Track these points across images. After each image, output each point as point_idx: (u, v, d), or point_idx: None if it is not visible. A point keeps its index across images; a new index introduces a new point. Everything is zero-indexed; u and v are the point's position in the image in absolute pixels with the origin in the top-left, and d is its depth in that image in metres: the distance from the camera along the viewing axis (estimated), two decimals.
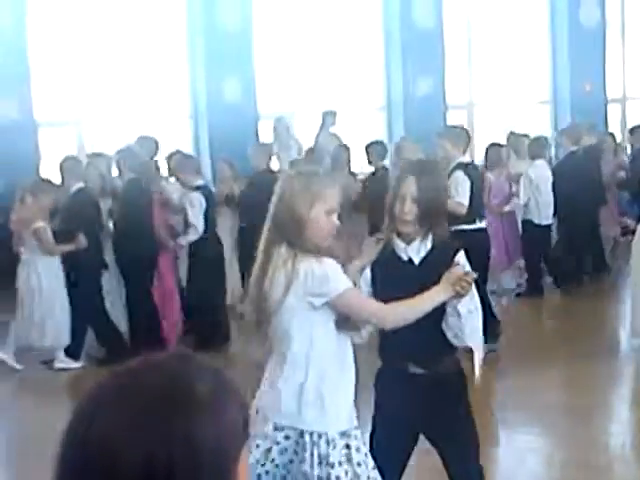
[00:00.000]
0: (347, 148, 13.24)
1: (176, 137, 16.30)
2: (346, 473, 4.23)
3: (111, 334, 10.23)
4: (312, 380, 4.26)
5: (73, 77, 15.54)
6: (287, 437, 4.28)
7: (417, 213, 4.64)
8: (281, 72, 17.30)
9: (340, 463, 4.23)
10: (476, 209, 9.76)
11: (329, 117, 15.64)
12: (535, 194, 12.25)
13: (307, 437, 4.25)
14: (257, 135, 16.48)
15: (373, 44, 18.23)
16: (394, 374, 4.64)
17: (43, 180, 10.62)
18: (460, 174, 9.60)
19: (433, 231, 4.69)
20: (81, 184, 10.24)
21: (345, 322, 4.34)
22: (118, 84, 15.94)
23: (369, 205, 11.98)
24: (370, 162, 12.67)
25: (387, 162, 12.82)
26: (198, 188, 10.58)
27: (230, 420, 1.57)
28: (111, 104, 15.86)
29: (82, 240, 9.85)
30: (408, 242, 4.71)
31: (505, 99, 19.26)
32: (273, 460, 4.31)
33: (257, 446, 4.28)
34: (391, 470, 4.62)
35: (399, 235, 4.73)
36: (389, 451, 4.53)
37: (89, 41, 15.68)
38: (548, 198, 12.36)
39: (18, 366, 10.01)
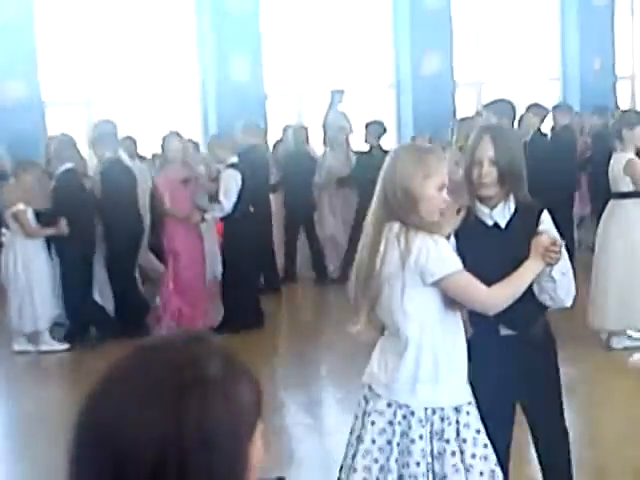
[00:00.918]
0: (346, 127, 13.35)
1: (184, 116, 16.30)
2: (457, 449, 4.25)
3: (100, 316, 10.18)
4: (425, 356, 4.24)
5: (81, 56, 15.51)
6: (404, 416, 4.26)
7: (496, 175, 4.59)
8: (289, 51, 17.26)
9: (455, 439, 4.25)
10: None
11: (337, 95, 15.62)
12: None
13: (421, 414, 4.24)
14: (265, 114, 16.44)
15: (381, 22, 18.16)
16: (485, 338, 4.62)
17: (26, 160, 10.46)
18: None
19: (514, 193, 4.65)
20: (69, 165, 10.05)
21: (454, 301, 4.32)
22: (126, 64, 15.90)
23: (358, 181, 12.26)
24: (366, 140, 12.89)
25: (382, 142, 12.80)
26: (232, 166, 10.41)
27: (242, 401, 1.56)
28: (120, 84, 15.83)
29: (63, 225, 9.71)
30: (492, 207, 4.67)
31: (514, 76, 19.19)
32: (374, 441, 4.29)
33: (372, 423, 4.30)
34: (500, 437, 4.56)
35: (481, 201, 4.69)
36: (490, 418, 4.48)
37: (97, 21, 15.64)
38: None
39: (63, 346, 9.91)
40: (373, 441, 4.28)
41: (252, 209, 10.49)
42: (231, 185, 10.17)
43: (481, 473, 4.26)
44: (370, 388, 4.36)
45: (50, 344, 9.91)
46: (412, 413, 4.23)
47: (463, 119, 12.29)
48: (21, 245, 9.68)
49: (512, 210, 4.65)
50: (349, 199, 12.98)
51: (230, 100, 16.12)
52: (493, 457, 4.32)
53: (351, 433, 4.41)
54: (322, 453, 7.12)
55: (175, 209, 10.31)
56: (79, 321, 10.06)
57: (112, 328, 9.95)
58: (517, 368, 4.65)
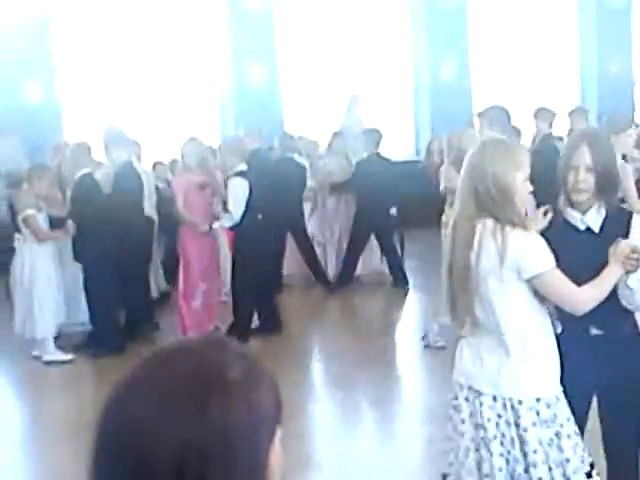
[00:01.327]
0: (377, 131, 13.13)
1: (202, 122, 16.34)
2: (572, 432, 4.38)
3: (111, 326, 10.01)
4: (516, 349, 4.32)
5: (99, 62, 15.57)
6: (512, 407, 4.37)
7: (593, 182, 4.62)
8: (306, 57, 17.28)
9: (568, 420, 4.37)
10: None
11: (354, 100, 15.62)
12: None
13: (529, 403, 4.34)
14: (282, 120, 16.47)
15: (399, 27, 18.16)
16: (575, 338, 4.67)
17: (39, 166, 10.34)
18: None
19: (607, 199, 4.69)
20: (86, 170, 9.93)
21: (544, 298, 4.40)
22: (145, 71, 15.95)
23: (357, 188, 12.32)
24: (365, 147, 12.80)
25: (380, 149, 12.70)
26: (240, 174, 10.05)
27: (263, 405, 1.56)
28: (138, 90, 15.88)
29: (70, 228, 9.63)
30: (583, 211, 4.71)
31: (532, 81, 19.15)
32: (496, 437, 4.41)
33: (489, 420, 4.40)
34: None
35: (572, 205, 4.73)
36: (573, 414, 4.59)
37: (115, 28, 15.70)
38: None
39: (68, 356, 9.74)
40: (495, 437, 4.38)
41: (260, 217, 10.24)
42: (238, 194, 9.95)
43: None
44: (470, 388, 4.44)
45: (54, 354, 9.74)
46: (520, 402, 4.33)
47: (452, 134, 12.05)
48: (29, 251, 9.62)
49: (603, 215, 4.70)
50: (347, 204, 12.94)
51: (248, 106, 16.15)
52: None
53: (460, 437, 4.49)
54: (340, 458, 7.12)
55: (186, 212, 10.20)
56: (105, 327, 9.94)
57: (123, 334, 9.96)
58: (603, 366, 4.70)
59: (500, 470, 4.38)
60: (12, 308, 9.95)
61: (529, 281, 4.25)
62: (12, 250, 9.88)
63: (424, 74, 18.11)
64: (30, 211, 9.53)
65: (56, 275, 9.79)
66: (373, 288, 12.75)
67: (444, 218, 9.55)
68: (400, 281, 12.49)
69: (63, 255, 10.10)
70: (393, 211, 12.88)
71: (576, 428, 4.43)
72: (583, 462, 4.38)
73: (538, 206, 4.76)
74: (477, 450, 4.44)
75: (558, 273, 4.29)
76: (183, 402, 1.51)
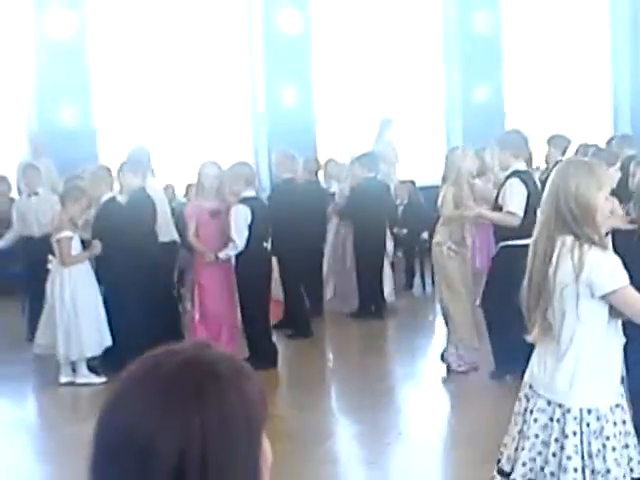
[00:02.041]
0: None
1: (236, 142, 16.43)
2: (618, 445, 4.52)
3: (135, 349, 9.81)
4: (584, 360, 4.49)
5: (134, 85, 15.70)
6: (562, 414, 4.52)
7: None
8: (339, 79, 17.34)
9: (614, 435, 4.51)
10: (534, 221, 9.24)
11: (386, 124, 15.63)
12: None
13: (576, 412, 4.49)
14: (315, 140, 16.53)
15: (433, 50, 18.20)
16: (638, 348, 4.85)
17: (73, 188, 10.17)
18: (516, 182, 8.88)
19: None
20: (111, 194, 9.96)
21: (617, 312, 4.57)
22: (178, 92, 16.06)
23: (353, 212, 12.16)
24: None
25: (373, 174, 12.45)
26: (246, 200, 9.91)
27: (253, 396, 1.63)
28: (171, 111, 15.98)
29: (97, 246, 9.59)
30: None
31: (565, 106, 19.11)
32: (537, 436, 4.58)
33: (535, 420, 4.58)
34: None
35: None
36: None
37: (149, 49, 15.82)
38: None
39: (100, 379, 9.54)
40: (536, 436, 4.54)
41: (266, 245, 10.09)
42: (240, 221, 9.77)
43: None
44: (531, 387, 4.62)
45: (87, 377, 9.65)
46: (568, 411, 4.47)
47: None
48: (68, 272, 9.53)
49: None
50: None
51: (281, 127, 16.21)
52: None
53: (514, 426, 4.70)
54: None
55: (195, 240, 10.08)
56: (127, 350, 9.87)
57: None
58: None
59: (524, 465, 4.57)
60: (31, 328, 9.90)
61: (603, 297, 4.42)
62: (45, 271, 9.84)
63: (457, 98, 18.12)
64: (65, 233, 9.49)
65: (96, 295, 9.73)
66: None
67: (439, 237, 9.61)
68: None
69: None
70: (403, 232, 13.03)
71: (628, 440, 4.56)
72: (625, 476, 4.51)
73: None
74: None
75: (631, 290, 4.45)
76: (178, 396, 1.56)
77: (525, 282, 4.66)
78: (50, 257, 9.66)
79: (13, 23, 14.81)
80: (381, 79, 17.64)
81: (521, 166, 9.09)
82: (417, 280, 13.92)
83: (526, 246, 8.51)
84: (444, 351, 9.68)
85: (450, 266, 9.57)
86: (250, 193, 9.98)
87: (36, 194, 11.57)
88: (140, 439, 1.54)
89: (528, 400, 4.63)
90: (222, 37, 16.48)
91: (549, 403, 4.53)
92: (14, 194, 13.32)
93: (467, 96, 18.01)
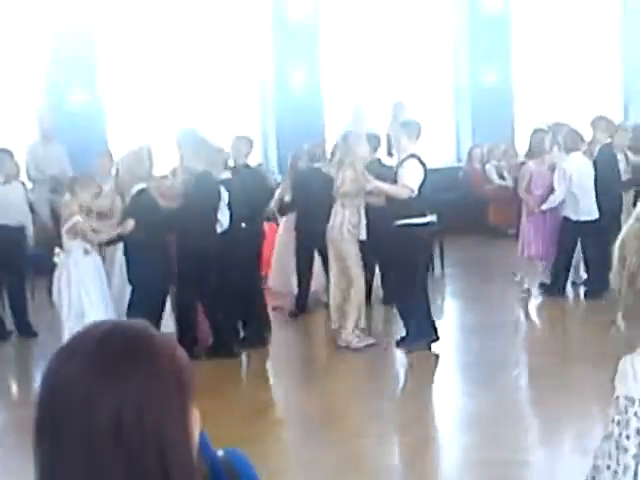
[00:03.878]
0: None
1: (244, 127, 16.41)
2: None
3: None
4: None
5: (142, 68, 15.68)
6: None
7: None
8: (347, 61, 17.30)
9: None
10: (429, 201, 9.65)
11: (400, 108, 15.56)
12: (570, 189, 11.45)
13: None
14: (323, 124, 16.50)
15: (441, 32, 18.15)
16: None
17: (82, 176, 10.01)
18: (414, 161, 9.56)
19: None
20: (142, 185, 9.57)
21: None
22: (186, 75, 16.04)
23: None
24: None
25: (379, 154, 12.25)
26: (223, 182, 9.97)
27: (184, 360, 1.71)
28: (179, 94, 15.96)
29: (130, 225, 9.25)
30: None
31: (574, 87, 19.05)
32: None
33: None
34: None
35: None
36: None
37: (158, 33, 15.80)
38: (584, 194, 11.49)
39: None
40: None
41: (244, 225, 10.10)
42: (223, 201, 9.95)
43: None
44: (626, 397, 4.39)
45: None
46: None
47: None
48: (74, 265, 9.21)
49: None
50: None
51: (289, 110, 16.19)
52: None
53: (610, 455, 4.34)
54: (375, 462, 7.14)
55: None
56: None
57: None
58: None
59: None
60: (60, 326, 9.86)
61: None
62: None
63: (465, 81, 18.07)
64: (77, 217, 9.26)
65: (102, 288, 9.43)
66: None
67: (338, 219, 9.93)
68: None
69: (110, 268, 9.99)
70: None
71: None
72: None
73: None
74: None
75: None
76: (112, 357, 1.64)
77: (617, 285, 4.22)
78: (57, 250, 9.41)
79: (25, 8, 14.78)
80: (389, 63, 17.58)
81: (417, 150, 9.76)
82: None
83: (421, 225, 9.31)
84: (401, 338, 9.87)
85: (348, 247, 9.93)
86: (227, 174, 10.23)
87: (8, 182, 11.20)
88: (78, 399, 1.62)
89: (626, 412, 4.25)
90: (231, 21, 16.44)
91: None
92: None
93: (476, 79, 17.96)
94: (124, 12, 15.56)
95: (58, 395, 1.64)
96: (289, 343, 10.87)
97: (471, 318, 11.46)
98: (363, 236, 10.03)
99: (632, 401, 4.32)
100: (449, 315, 12.09)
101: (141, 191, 9.53)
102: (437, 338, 9.69)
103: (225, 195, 9.93)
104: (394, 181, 9.64)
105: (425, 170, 9.57)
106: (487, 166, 16.62)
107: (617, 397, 4.33)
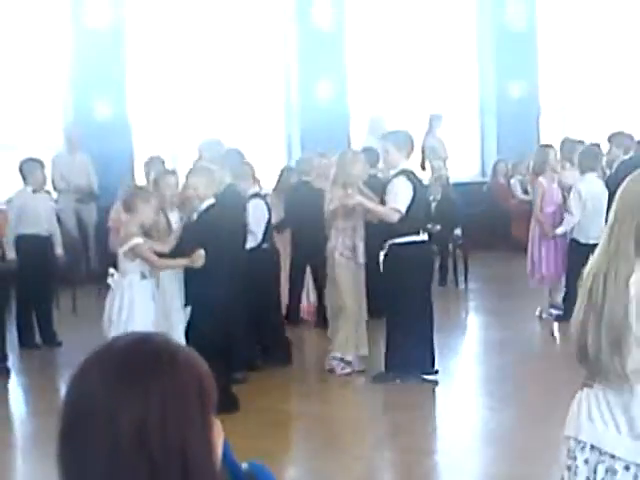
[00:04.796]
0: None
1: (270, 138, 16.45)
2: None
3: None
4: None
5: (169, 79, 15.75)
6: (622, 475, 3.86)
7: None
8: (373, 73, 17.32)
9: None
10: (421, 220, 9.21)
11: (436, 120, 15.57)
12: (583, 210, 11.16)
13: None
14: (348, 135, 16.52)
15: (466, 46, 18.14)
16: None
17: (143, 189, 9.30)
18: (402, 180, 8.99)
19: None
20: (212, 200, 8.62)
21: None
22: (213, 85, 16.09)
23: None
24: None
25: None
26: (255, 196, 9.85)
27: (205, 371, 1.72)
28: (205, 105, 16.01)
29: (200, 256, 8.20)
30: None
31: (601, 101, 18.99)
32: None
33: None
34: None
35: None
36: None
37: (184, 44, 15.86)
38: (596, 216, 10.86)
39: None
40: None
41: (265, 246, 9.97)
42: (261, 215, 9.88)
43: None
44: (594, 448, 3.90)
45: None
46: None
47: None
48: (129, 287, 8.44)
49: None
50: None
51: (314, 121, 16.21)
52: None
53: None
54: None
55: None
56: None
57: None
58: None
59: None
60: None
61: None
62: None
63: (491, 95, 18.04)
64: (137, 239, 8.34)
65: (155, 316, 8.61)
66: None
67: (332, 243, 9.50)
68: None
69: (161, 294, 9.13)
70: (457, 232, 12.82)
71: None
72: None
73: None
74: None
75: None
76: (135, 367, 1.66)
77: (581, 317, 3.82)
78: (111, 270, 8.66)
79: (50, 14, 14.88)
80: (414, 75, 17.58)
81: (408, 165, 9.31)
82: (450, 276, 13.87)
83: (412, 243, 8.90)
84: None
85: (341, 273, 9.45)
86: (257, 189, 10.11)
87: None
88: (101, 409, 1.63)
89: (590, 466, 3.86)
90: (257, 31, 16.48)
91: (627, 468, 3.81)
92: (49, 187, 13.37)
93: (502, 92, 17.92)
94: (151, 23, 15.63)
95: (81, 406, 1.66)
96: (307, 357, 10.81)
97: (493, 333, 11.43)
98: (361, 259, 9.49)
99: (582, 446, 3.88)
100: (472, 330, 12.07)
101: (213, 207, 8.65)
102: (434, 371, 9.11)
103: (264, 209, 9.82)
104: (382, 196, 9.14)
105: (415, 187, 9.00)
106: (512, 181, 16.58)
107: (568, 437, 3.93)
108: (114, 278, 8.60)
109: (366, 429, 8.30)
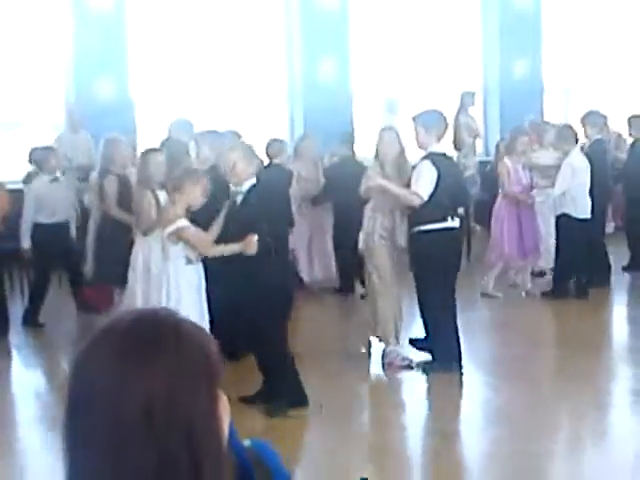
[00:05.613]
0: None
1: (272, 118, 16.41)
2: None
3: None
4: None
5: (171, 58, 15.71)
6: None
7: None
8: (376, 53, 17.26)
9: None
10: (447, 206, 8.79)
11: (468, 97, 15.51)
12: (575, 185, 11.42)
13: None
14: (352, 116, 16.47)
15: (470, 26, 18.07)
16: None
17: (190, 168, 8.89)
18: (426, 164, 8.71)
19: None
20: (253, 179, 7.94)
21: None
22: (215, 65, 16.05)
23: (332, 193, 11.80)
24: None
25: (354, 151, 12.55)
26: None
27: (211, 346, 1.70)
28: (207, 84, 15.98)
29: (253, 242, 7.56)
30: None
31: (604, 81, 18.92)
32: None
33: None
34: None
35: None
36: None
37: (186, 22, 15.82)
38: (586, 190, 11.52)
39: None
40: None
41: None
42: None
43: None
44: None
45: None
46: None
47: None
48: (174, 273, 8.05)
49: None
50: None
51: (317, 101, 16.17)
52: None
53: None
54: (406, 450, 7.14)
55: None
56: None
57: None
58: None
59: None
60: None
61: None
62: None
63: (494, 74, 17.98)
64: (183, 222, 7.94)
65: (200, 305, 8.15)
66: None
67: (369, 224, 9.19)
68: None
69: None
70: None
71: None
72: None
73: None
74: None
75: None
76: (138, 346, 1.65)
77: None
78: (154, 256, 8.42)
79: None
80: (418, 53, 17.52)
81: (438, 148, 8.94)
82: None
83: (439, 230, 8.58)
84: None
85: (380, 256, 9.09)
86: None
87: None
88: (106, 387, 1.62)
89: None
90: (259, 10, 16.42)
91: None
92: None
93: (505, 71, 17.86)
94: (153, 1, 15.59)
95: (86, 381, 1.65)
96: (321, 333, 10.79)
97: (496, 313, 11.47)
98: (402, 243, 9.00)
99: None
100: (475, 310, 12.07)
101: (254, 186, 7.99)
102: (460, 366, 8.86)
103: None
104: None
105: (440, 173, 8.63)
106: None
107: None
108: (157, 265, 8.28)
109: (370, 407, 8.32)
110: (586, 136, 12.35)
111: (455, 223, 8.88)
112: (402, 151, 9.17)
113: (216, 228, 8.16)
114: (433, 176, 8.61)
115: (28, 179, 11.94)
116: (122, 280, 9.08)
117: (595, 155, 11.89)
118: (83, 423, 1.64)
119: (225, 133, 10.74)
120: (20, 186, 12.17)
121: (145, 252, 8.73)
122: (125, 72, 15.08)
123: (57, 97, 15.09)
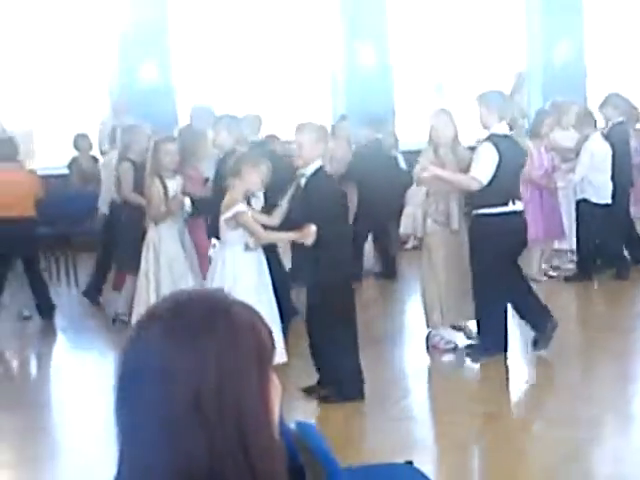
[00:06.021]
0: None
1: (315, 102, 16.43)
2: None
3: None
4: None
5: (214, 44, 15.75)
6: None
7: None
8: (418, 36, 17.22)
9: None
10: (509, 189, 8.48)
11: (521, 78, 15.42)
12: (594, 170, 11.27)
13: None
14: (393, 102, 16.46)
15: (514, 9, 17.98)
16: None
17: (248, 153, 8.63)
18: (488, 147, 8.38)
19: None
20: (319, 162, 7.56)
21: None
22: (258, 51, 16.08)
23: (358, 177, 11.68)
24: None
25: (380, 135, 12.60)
26: None
27: (263, 328, 1.69)
28: (251, 71, 16.01)
29: (312, 231, 7.24)
30: None
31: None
32: None
33: None
34: None
35: None
36: None
37: (229, 9, 15.85)
38: (607, 175, 11.37)
39: None
40: None
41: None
42: None
43: None
44: None
45: None
46: None
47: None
48: (232, 259, 7.81)
49: None
50: None
51: (359, 85, 16.17)
52: None
53: None
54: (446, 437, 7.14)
55: None
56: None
57: None
58: None
59: None
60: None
61: None
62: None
63: (537, 55, 17.89)
64: (241, 206, 7.73)
65: (263, 295, 7.83)
66: None
67: (423, 208, 9.07)
68: None
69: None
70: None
71: None
72: None
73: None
74: None
75: None
76: (190, 326, 1.63)
77: None
78: (214, 241, 8.25)
79: None
80: (460, 37, 17.46)
81: (501, 129, 8.62)
82: None
83: (499, 214, 8.31)
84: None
85: (434, 241, 8.94)
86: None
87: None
88: (157, 366, 1.62)
89: None
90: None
91: None
92: (95, 151, 13.45)
93: (548, 54, 17.76)
94: None
95: (136, 362, 1.65)
96: None
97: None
98: (455, 225, 8.79)
99: None
100: None
101: (321, 170, 7.62)
102: (506, 352, 8.66)
103: None
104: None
105: (502, 155, 8.28)
106: None
107: None
108: (216, 248, 8.11)
109: (410, 392, 8.34)
110: (607, 119, 12.06)
111: (518, 207, 8.60)
112: (456, 134, 8.97)
113: (280, 212, 7.97)
114: (494, 159, 8.32)
115: (73, 164, 12.02)
116: (136, 267, 9.22)
117: (617, 137, 11.73)
118: (132, 402, 1.64)
119: (244, 117, 10.75)
120: (64, 171, 12.26)
121: (156, 241, 8.89)
122: (167, 58, 15.15)
123: (101, 83, 15.19)
